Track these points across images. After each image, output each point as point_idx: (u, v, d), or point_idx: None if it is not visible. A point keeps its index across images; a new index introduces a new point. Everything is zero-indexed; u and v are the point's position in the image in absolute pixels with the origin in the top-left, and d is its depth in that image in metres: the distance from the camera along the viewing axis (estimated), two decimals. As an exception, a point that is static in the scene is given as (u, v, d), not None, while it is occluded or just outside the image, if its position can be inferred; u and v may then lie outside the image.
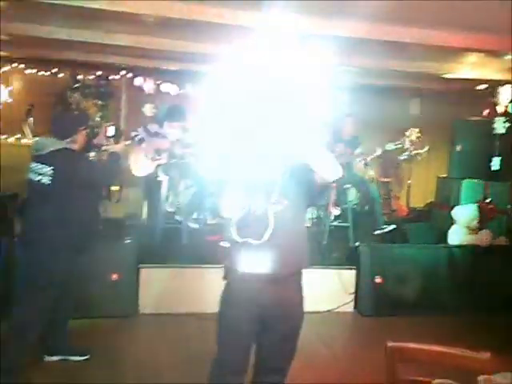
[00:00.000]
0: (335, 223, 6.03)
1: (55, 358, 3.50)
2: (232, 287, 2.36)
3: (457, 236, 5.61)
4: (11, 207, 5.81)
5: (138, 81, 6.83)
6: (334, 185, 5.71)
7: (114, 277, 4.41)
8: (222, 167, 2.41)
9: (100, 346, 3.76)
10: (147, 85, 6.86)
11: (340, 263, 5.14)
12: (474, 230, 5.55)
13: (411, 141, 6.17)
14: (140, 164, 5.26)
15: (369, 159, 5.75)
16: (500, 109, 6.05)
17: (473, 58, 5.05)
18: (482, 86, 6.07)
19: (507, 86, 5.92)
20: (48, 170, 3.09)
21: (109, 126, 3.44)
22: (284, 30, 3.72)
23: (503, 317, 4.58)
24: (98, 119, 6.01)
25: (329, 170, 2.27)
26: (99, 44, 4.96)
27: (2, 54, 6.27)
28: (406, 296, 4.98)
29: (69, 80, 6.79)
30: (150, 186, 5.85)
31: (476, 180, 5.96)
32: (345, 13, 3.65)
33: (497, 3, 3.16)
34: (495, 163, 5.91)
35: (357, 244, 5.27)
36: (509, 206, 5.88)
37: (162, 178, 5.25)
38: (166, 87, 6.86)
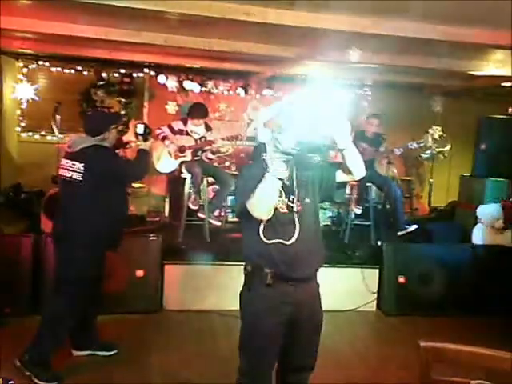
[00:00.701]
0: (356, 222, 6.01)
1: (83, 353, 3.56)
2: (263, 291, 2.27)
3: (481, 235, 5.56)
4: (37, 203, 5.91)
5: (161, 78, 6.86)
6: (356, 183, 5.71)
7: (139, 273, 4.47)
8: (253, 164, 2.42)
9: (126, 342, 3.81)
10: (170, 82, 6.90)
11: (362, 262, 5.12)
12: (499, 230, 5.49)
13: (434, 139, 6.11)
14: (164, 161, 5.34)
15: (391, 157, 5.72)
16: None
17: (499, 55, 4.97)
18: (508, 84, 5.97)
19: (534, 83, 5.83)
20: (79, 166, 3.14)
21: (138, 123, 3.47)
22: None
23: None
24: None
25: (358, 168, 2.31)
26: (123, 42, 4.99)
27: (28, 51, 6.37)
28: (429, 296, 4.95)
29: (93, 78, 6.86)
30: (174, 183, 5.92)
31: (501, 179, 5.88)
32: (374, 11, 3.63)
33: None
34: (521, 162, 5.83)
35: (379, 243, 5.25)
36: (534, 206, 5.79)
37: (186, 175, 5.29)
38: (189, 85, 6.89)
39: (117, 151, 3.50)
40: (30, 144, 6.92)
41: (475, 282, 5.02)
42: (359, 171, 2.31)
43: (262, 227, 2.23)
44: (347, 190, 6.46)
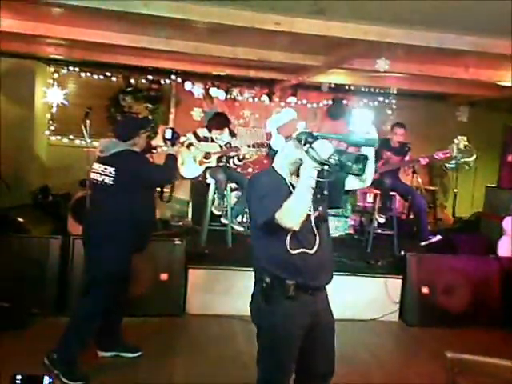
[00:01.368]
0: (379, 231, 5.99)
1: (109, 354, 3.61)
2: (284, 303, 2.24)
3: (506, 247, 5.47)
4: (64, 206, 6.03)
5: (187, 85, 6.97)
6: (379, 192, 5.70)
7: (164, 276, 4.52)
8: (266, 173, 2.39)
9: (149, 345, 3.85)
10: (196, 89, 7.00)
11: (385, 272, 5.08)
12: (526, 242, 5.40)
13: (459, 149, 6.06)
14: (188, 166, 5.41)
15: (416, 167, 5.70)
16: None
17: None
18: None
19: None
20: (111, 170, 3.21)
21: (166, 128, 3.54)
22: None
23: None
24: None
25: (372, 175, 2.36)
26: (152, 49, 5.10)
27: (59, 57, 6.54)
28: (452, 307, 4.88)
29: (122, 84, 7.00)
30: (197, 188, 5.99)
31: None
32: (399, 20, 3.64)
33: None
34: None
35: (403, 253, 5.22)
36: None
37: (210, 180, 5.35)
38: (214, 92, 6.98)
39: (147, 155, 3.58)
40: (59, 147, 7.10)
41: (500, 295, 4.94)
42: (371, 179, 2.39)
43: (288, 237, 2.20)
44: (370, 199, 6.46)
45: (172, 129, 3.55)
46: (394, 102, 7.75)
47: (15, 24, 4.52)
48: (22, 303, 4.06)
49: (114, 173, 3.19)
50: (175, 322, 4.47)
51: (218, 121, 5.54)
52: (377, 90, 7.48)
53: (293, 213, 2.11)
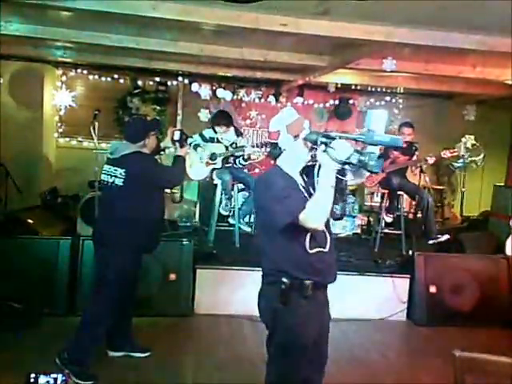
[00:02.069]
0: (387, 230, 5.98)
1: (119, 354, 3.65)
2: (302, 303, 2.23)
3: (515, 247, 5.44)
4: (73, 207, 6.08)
5: (194, 86, 7.00)
6: (387, 191, 5.69)
7: (172, 277, 4.55)
8: (275, 174, 2.39)
9: (158, 345, 3.88)
10: (203, 90, 7.03)
11: (393, 271, 5.09)
12: (534, 242, 5.37)
13: (467, 148, 6.05)
14: (195, 168, 5.44)
15: (424, 166, 5.68)
16: None
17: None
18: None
19: None
20: (121, 172, 3.24)
21: (175, 130, 3.57)
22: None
23: None
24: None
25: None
26: (159, 51, 5.14)
27: (67, 60, 6.59)
28: (460, 306, 4.88)
29: (129, 86, 7.05)
30: (204, 188, 6.01)
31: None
32: (406, 20, 3.65)
33: None
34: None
35: (411, 252, 5.22)
36: None
37: (217, 181, 5.37)
38: (221, 93, 7.01)
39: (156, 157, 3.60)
40: (67, 149, 7.16)
41: (508, 294, 4.93)
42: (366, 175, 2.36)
43: (308, 237, 2.19)
44: (378, 199, 6.46)
45: (181, 130, 3.58)
46: (400, 101, 7.74)
47: (23, 28, 4.58)
48: (33, 304, 4.12)
49: (123, 174, 3.22)
50: (184, 322, 4.50)
51: (221, 117, 5.53)
52: (384, 90, 7.47)
53: (318, 213, 2.09)
